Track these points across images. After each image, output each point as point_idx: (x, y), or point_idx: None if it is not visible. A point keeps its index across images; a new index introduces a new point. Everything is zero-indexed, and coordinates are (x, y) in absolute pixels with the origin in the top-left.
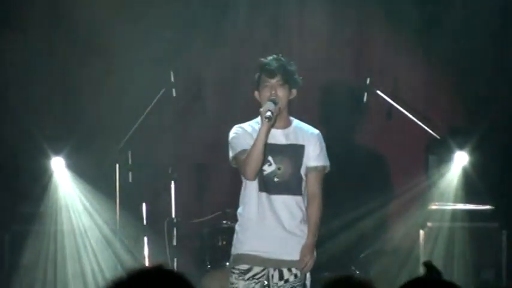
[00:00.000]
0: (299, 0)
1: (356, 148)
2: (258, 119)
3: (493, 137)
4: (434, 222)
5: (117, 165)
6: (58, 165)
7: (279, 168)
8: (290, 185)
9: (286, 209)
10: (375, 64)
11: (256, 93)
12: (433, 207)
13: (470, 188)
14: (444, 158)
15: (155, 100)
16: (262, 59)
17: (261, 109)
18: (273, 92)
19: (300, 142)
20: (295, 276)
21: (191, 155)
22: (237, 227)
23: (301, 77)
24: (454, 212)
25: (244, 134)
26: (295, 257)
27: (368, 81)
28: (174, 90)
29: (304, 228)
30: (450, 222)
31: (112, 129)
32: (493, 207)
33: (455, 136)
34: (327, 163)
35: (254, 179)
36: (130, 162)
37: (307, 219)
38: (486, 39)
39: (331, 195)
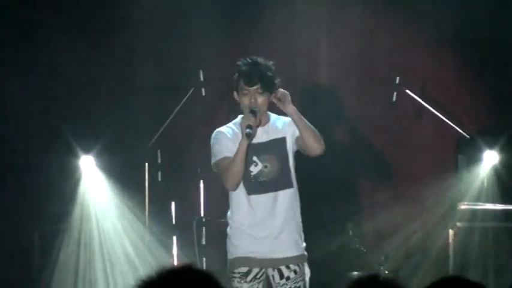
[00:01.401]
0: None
1: (385, 147)
2: (238, 119)
3: None
4: (463, 222)
5: (147, 164)
6: (88, 164)
7: (265, 167)
8: (280, 181)
9: (277, 206)
10: (404, 63)
11: (235, 94)
12: (463, 207)
13: (500, 188)
14: (474, 158)
15: (185, 99)
16: (240, 63)
17: (242, 122)
18: (253, 100)
19: (280, 135)
20: (295, 272)
21: None
22: (228, 231)
23: (279, 80)
24: (484, 212)
25: (225, 139)
26: (291, 253)
27: (397, 81)
28: (203, 89)
29: (298, 219)
30: (480, 222)
31: (141, 128)
32: None
33: (484, 135)
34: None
35: (235, 190)
36: (159, 161)
37: None
38: None
39: (362, 193)
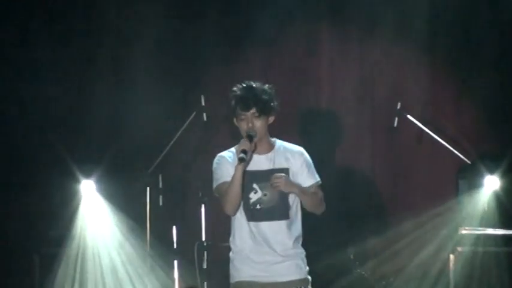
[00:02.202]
0: (330, 23)
1: (386, 172)
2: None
3: None
4: (464, 247)
5: (148, 189)
6: (88, 189)
7: (264, 195)
8: (278, 211)
9: (276, 235)
10: (406, 89)
11: (234, 120)
12: (463, 231)
13: (500, 212)
14: (475, 183)
15: (186, 123)
16: (234, 89)
17: (237, 147)
18: (250, 124)
19: (284, 165)
20: None
21: None
22: (231, 255)
23: (276, 103)
24: (485, 237)
25: (225, 164)
26: (293, 276)
27: (399, 106)
28: (204, 114)
29: (298, 249)
30: (481, 246)
31: (143, 152)
32: None
33: (485, 161)
34: (317, 178)
35: (234, 215)
36: (161, 185)
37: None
38: None
39: (362, 218)
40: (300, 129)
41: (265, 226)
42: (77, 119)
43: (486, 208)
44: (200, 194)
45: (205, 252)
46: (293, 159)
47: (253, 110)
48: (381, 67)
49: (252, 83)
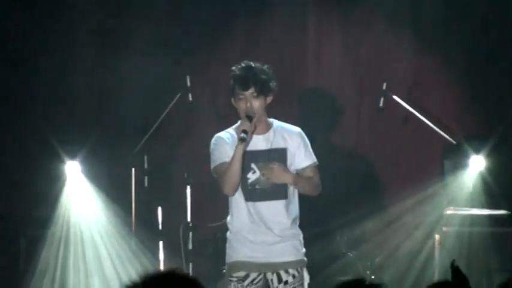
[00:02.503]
0: (316, 4)
1: (371, 153)
2: (238, 124)
3: (509, 141)
4: (449, 227)
5: (133, 170)
6: (73, 170)
7: (263, 175)
8: (276, 191)
9: (274, 215)
10: (391, 69)
11: (232, 99)
12: (449, 211)
13: (486, 193)
14: (460, 163)
15: (171, 104)
16: (234, 68)
17: (237, 128)
18: (248, 104)
19: (282, 145)
20: (293, 276)
21: (206, 160)
22: (228, 235)
23: (275, 83)
24: (470, 217)
25: (223, 144)
26: (289, 257)
27: (384, 86)
28: (190, 94)
29: (296, 230)
30: (465, 226)
31: (128, 133)
32: (509, 212)
33: (471, 141)
34: (314, 159)
35: (233, 195)
36: (146, 166)
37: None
38: (503, 44)
39: (347, 199)
40: (285, 110)
41: (263, 206)
42: (61, 100)
43: (472, 188)
44: (186, 175)
45: (191, 233)
46: (290, 140)
47: (251, 90)
48: (367, 48)
49: (251, 63)
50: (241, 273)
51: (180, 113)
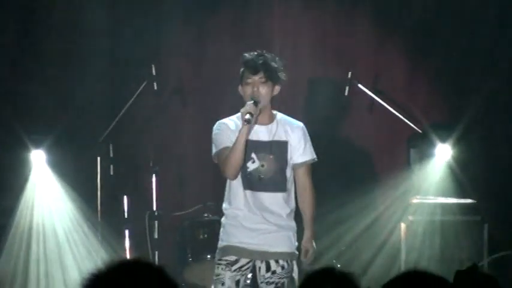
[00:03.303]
0: None
1: (337, 142)
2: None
3: (475, 130)
4: (415, 216)
5: (99, 158)
6: (38, 159)
7: (262, 166)
8: (274, 182)
9: (271, 206)
10: (357, 57)
11: (240, 88)
12: (415, 200)
13: (452, 182)
14: (426, 152)
15: (137, 93)
16: (245, 55)
17: (242, 110)
18: (255, 89)
19: (283, 138)
20: (283, 267)
21: (172, 148)
22: (223, 220)
23: (284, 74)
24: (436, 206)
25: (227, 130)
26: (282, 248)
27: (349, 75)
28: (155, 83)
29: (291, 222)
30: (432, 215)
31: (93, 122)
32: (475, 201)
33: (437, 130)
34: (314, 155)
35: (234, 179)
36: (111, 155)
37: (303, 214)
38: (467, 33)
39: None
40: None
41: (262, 196)
42: (26, 88)
43: (438, 177)
44: (151, 164)
45: (156, 222)
46: (292, 133)
47: (260, 75)
48: (332, 36)
49: (264, 51)
50: (232, 258)
51: (145, 102)
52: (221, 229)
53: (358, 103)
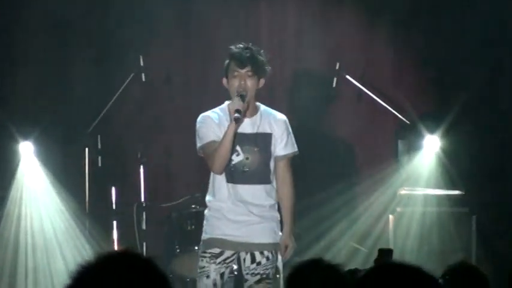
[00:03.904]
0: None
1: (325, 133)
2: (224, 105)
3: (463, 121)
4: (403, 207)
5: (87, 150)
6: (26, 150)
7: (247, 158)
8: (259, 175)
9: (255, 198)
10: (344, 49)
11: (224, 80)
12: (403, 192)
13: (440, 173)
14: (414, 143)
15: (124, 84)
16: (232, 47)
17: (229, 106)
18: (242, 82)
19: (268, 130)
20: (267, 258)
21: (160, 140)
22: (206, 212)
23: (269, 67)
24: (424, 197)
25: (211, 123)
26: (267, 239)
27: (337, 66)
28: (143, 74)
29: (274, 213)
30: (420, 207)
31: (81, 113)
32: (463, 192)
33: (425, 121)
34: (295, 148)
35: (221, 174)
36: (99, 146)
37: (282, 207)
38: (455, 21)
39: (300, 180)
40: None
41: (245, 189)
42: (13, 80)
43: (426, 168)
44: (139, 155)
45: (144, 213)
46: (276, 126)
47: (248, 68)
48: (320, 27)
49: (250, 44)
50: (216, 250)
51: (133, 93)
52: (204, 222)
53: (346, 94)
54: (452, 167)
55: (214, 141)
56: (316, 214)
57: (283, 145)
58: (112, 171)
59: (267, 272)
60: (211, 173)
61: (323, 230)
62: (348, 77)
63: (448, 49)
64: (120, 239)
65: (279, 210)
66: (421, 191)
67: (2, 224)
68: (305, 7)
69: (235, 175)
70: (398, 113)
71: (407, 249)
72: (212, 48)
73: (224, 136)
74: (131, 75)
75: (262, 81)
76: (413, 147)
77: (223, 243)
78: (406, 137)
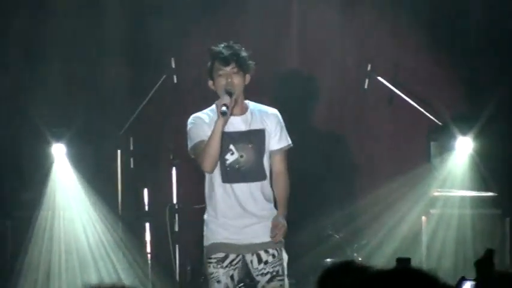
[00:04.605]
0: None
1: (357, 135)
2: (213, 106)
3: (496, 122)
4: (436, 209)
5: (119, 151)
6: (59, 152)
7: (241, 156)
8: (254, 172)
9: (251, 196)
10: (376, 50)
11: (210, 82)
12: (436, 193)
13: (473, 174)
14: (446, 145)
15: (156, 86)
16: (214, 48)
17: (216, 102)
18: (229, 80)
19: (260, 126)
20: (273, 256)
21: None
22: (205, 217)
23: (253, 62)
24: (457, 199)
25: (202, 123)
26: (268, 238)
27: (369, 68)
28: (175, 76)
29: (272, 210)
30: (453, 208)
31: (114, 115)
32: (496, 194)
33: (458, 122)
34: (289, 141)
35: (212, 172)
36: (132, 148)
37: (276, 195)
38: (489, 23)
39: (333, 181)
40: (270, 91)
41: (241, 187)
42: (46, 82)
43: (459, 170)
44: (171, 157)
45: (177, 215)
46: (268, 121)
47: (232, 65)
48: (352, 29)
49: (230, 42)
50: (220, 255)
51: (165, 95)
52: (204, 227)
53: (378, 96)
54: (485, 169)
55: (204, 141)
56: (349, 214)
57: (277, 139)
58: (144, 173)
59: (276, 269)
60: (206, 175)
61: (356, 230)
62: (379, 78)
63: (481, 49)
64: (152, 241)
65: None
66: (453, 193)
67: (35, 226)
68: (338, 8)
69: (230, 174)
70: (430, 114)
71: (440, 251)
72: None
73: (213, 131)
74: (163, 77)
75: (248, 77)
76: (445, 149)
77: (226, 247)
78: (439, 139)
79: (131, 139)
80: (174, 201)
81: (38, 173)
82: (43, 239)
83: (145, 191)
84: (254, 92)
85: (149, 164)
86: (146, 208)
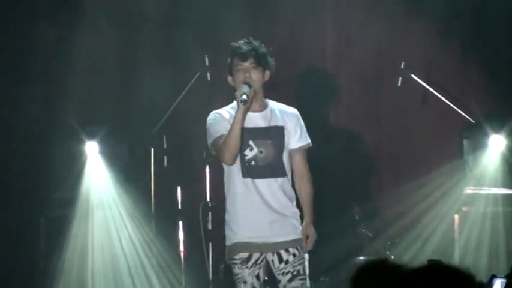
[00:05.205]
0: None
1: (390, 132)
2: (234, 104)
3: None
4: (469, 207)
5: (153, 150)
6: (92, 150)
7: (260, 152)
8: (273, 168)
9: (272, 193)
10: (409, 48)
11: (229, 78)
12: (468, 191)
13: (506, 172)
14: (479, 142)
15: (190, 84)
16: (233, 43)
17: (236, 92)
18: (247, 75)
19: (280, 123)
20: (294, 255)
21: None
22: (226, 217)
23: (273, 59)
24: (489, 196)
25: (221, 119)
26: (289, 237)
27: (402, 66)
28: (208, 74)
29: (294, 209)
30: (485, 206)
31: (147, 113)
32: None
33: (490, 120)
34: (308, 140)
35: (233, 164)
36: (165, 146)
37: (301, 200)
38: None
39: (368, 179)
40: (299, 90)
41: (261, 183)
42: (80, 80)
43: (492, 168)
44: (205, 155)
45: (210, 213)
46: (288, 119)
47: (251, 61)
48: (385, 26)
49: (251, 38)
50: (244, 255)
51: (199, 93)
52: (226, 227)
53: (411, 94)
54: None
55: (224, 135)
56: (383, 211)
57: (297, 138)
58: (178, 171)
59: (297, 268)
60: (225, 171)
61: (386, 228)
62: (413, 76)
63: None
64: (186, 239)
65: (298, 205)
66: (486, 191)
67: (68, 224)
68: (371, 6)
69: (250, 169)
70: (463, 112)
71: (472, 248)
72: (276, 45)
73: (233, 121)
74: (197, 75)
75: (267, 73)
76: (478, 147)
77: (248, 247)
78: (472, 137)
79: (165, 137)
80: (208, 199)
81: (71, 171)
82: (76, 237)
83: (179, 189)
84: (290, 87)
85: (183, 162)
86: (179, 206)
